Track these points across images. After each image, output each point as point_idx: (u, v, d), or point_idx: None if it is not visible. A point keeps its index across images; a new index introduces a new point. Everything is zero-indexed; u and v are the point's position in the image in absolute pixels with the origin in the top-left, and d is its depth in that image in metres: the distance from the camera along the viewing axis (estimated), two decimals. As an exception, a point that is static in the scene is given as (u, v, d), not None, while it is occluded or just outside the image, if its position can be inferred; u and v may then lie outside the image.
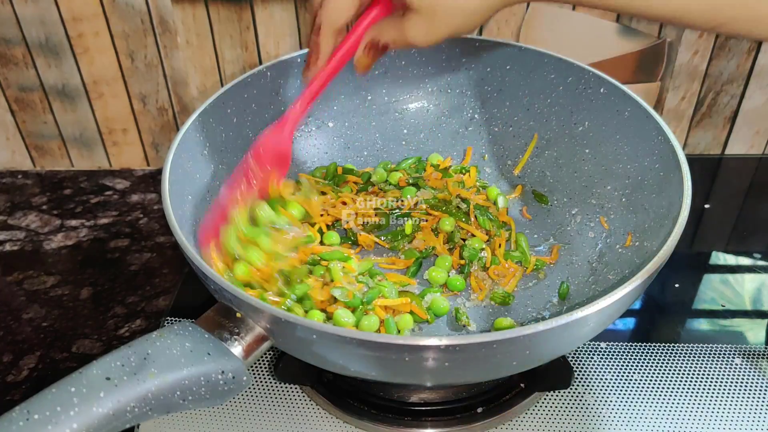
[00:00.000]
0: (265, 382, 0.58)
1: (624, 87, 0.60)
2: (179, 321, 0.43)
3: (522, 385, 0.55)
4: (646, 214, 0.56)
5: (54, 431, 0.35)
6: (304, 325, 0.40)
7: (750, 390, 0.56)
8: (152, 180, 0.83)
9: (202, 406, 0.42)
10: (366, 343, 0.40)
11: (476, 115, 0.72)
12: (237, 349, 0.42)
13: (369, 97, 0.72)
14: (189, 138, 0.57)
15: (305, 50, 0.66)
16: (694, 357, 0.59)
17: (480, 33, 0.75)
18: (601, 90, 0.62)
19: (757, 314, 0.64)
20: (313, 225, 0.63)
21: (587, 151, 0.65)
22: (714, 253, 0.71)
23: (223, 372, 0.41)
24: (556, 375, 0.54)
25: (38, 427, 0.35)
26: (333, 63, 0.52)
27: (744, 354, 0.59)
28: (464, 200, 0.65)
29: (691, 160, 0.53)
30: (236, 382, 0.42)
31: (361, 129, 0.72)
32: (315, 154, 0.71)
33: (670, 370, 0.58)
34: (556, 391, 0.56)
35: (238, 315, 0.43)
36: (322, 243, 0.62)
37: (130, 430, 0.54)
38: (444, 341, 0.39)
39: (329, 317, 0.55)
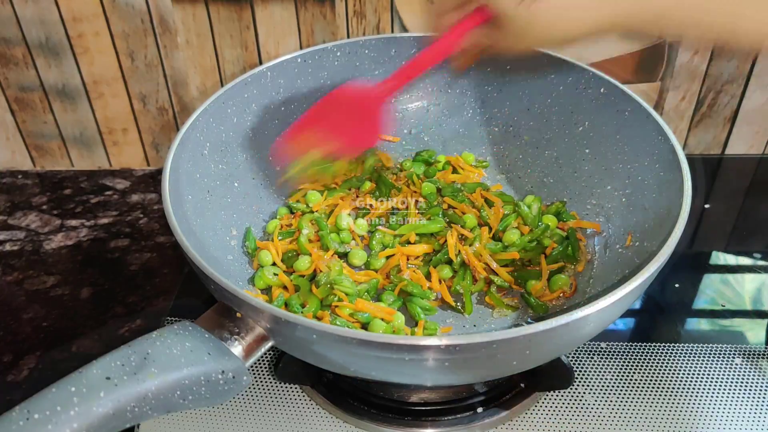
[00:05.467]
0: (265, 382, 0.58)
1: (624, 87, 0.60)
2: (179, 321, 0.43)
3: (522, 385, 0.55)
4: (646, 215, 0.56)
5: (54, 431, 0.35)
6: (304, 325, 0.40)
7: (750, 390, 0.56)
8: (152, 180, 0.83)
9: (202, 406, 0.42)
10: (366, 342, 0.40)
11: (477, 116, 0.72)
12: (237, 349, 0.42)
13: None
14: (189, 138, 0.57)
15: (305, 50, 0.67)
16: (694, 357, 0.59)
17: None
18: (601, 90, 0.62)
19: (757, 314, 0.64)
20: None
21: (587, 151, 0.65)
22: (714, 253, 0.71)
23: (223, 372, 0.41)
24: (556, 375, 0.54)
25: (38, 426, 0.35)
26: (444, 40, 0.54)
27: (744, 354, 0.59)
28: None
29: (691, 160, 0.53)
30: (236, 382, 0.42)
31: None
32: (315, 154, 0.71)
33: (670, 370, 0.58)
34: (557, 392, 0.56)
35: (238, 315, 0.43)
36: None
37: (130, 430, 0.54)
38: (444, 341, 0.39)
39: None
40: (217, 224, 0.60)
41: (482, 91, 0.71)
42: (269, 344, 0.44)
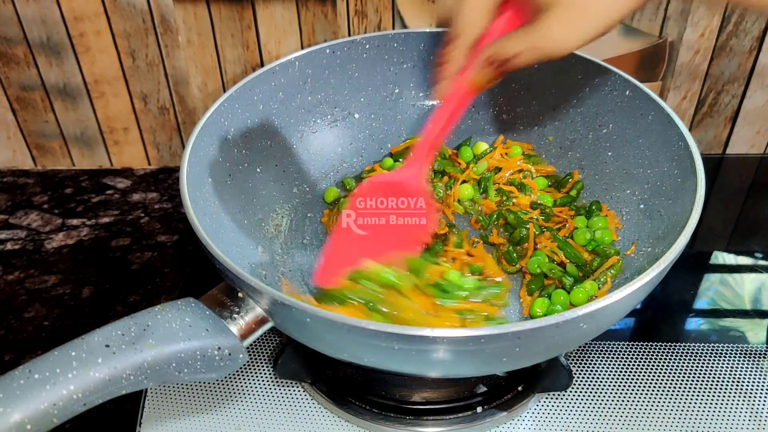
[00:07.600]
0: (266, 380, 0.58)
1: (649, 91, 0.60)
2: (184, 298, 0.44)
3: (522, 385, 0.55)
4: (661, 221, 0.55)
5: (51, 391, 0.37)
6: (299, 308, 0.41)
7: (750, 391, 0.56)
8: (153, 179, 0.83)
9: (197, 379, 0.43)
10: (355, 329, 0.40)
11: (503, 114, 0.72)
12: (236, 327, 0.43)
13: (396, 90, 0.72)
14: (214, 122, 0.58)
15: (333, 42, 0.67)
16: (694, 357, 0.59)
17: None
18: (627, 93, 0.62)
19: (757, 314, 0.64)
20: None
21: (609, 153, 0.64)
22: (714, 253, 0.72)
23: (219, 348, 0.42)
24: (554, 377, 0.54)
25: (37, 386, 0.37)
26: (463, 85, 0.49)
27: (744, 354, 0.59)
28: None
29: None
30: (232, 359, 0.43)
31: (387, 121, 0.72)
32: (339, 145, 0.71)
33: (669, 370, 0.58)
34: (557, 392, 0.56)
35: (240, 295, 0.45)
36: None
37: (132, 428, 0.54)
38: (434, 333, 0.39)
39: None
40: (236, 208, 0.60)
41: (509, 89, 0.71)
42: (269, 325, 0.45)
